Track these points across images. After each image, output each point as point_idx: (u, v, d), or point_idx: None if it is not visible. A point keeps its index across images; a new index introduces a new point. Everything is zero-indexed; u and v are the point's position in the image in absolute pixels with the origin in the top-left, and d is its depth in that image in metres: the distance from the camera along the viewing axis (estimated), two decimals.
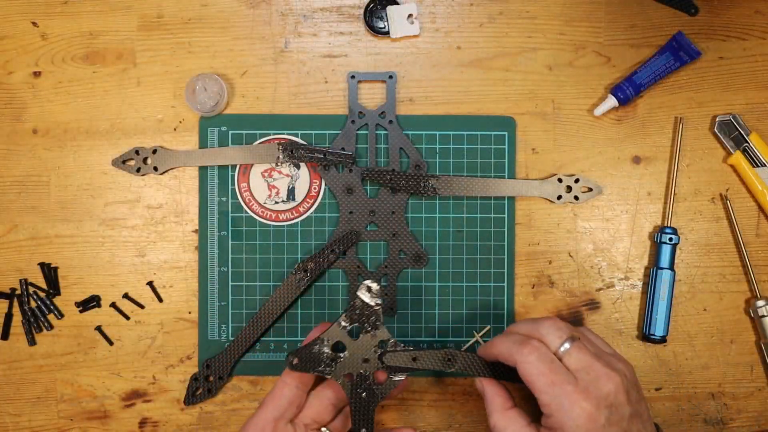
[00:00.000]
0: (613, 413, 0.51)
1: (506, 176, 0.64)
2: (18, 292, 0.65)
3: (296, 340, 0.65)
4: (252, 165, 0.65)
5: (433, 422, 0.65)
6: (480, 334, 0.65)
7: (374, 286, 0.56)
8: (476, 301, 0.64)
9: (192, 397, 0.64)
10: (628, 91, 0.63)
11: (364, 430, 0.56)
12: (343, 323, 0.56)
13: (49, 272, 0.65)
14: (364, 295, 0.56)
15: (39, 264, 0.65)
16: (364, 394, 0.56)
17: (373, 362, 0.56)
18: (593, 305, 0.65)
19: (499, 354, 0.54)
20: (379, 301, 0.56)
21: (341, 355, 0.56)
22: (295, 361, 0.56)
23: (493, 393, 0.56)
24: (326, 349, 0.56)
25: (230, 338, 0.65)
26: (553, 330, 0.53)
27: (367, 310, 0.56)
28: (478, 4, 0.65)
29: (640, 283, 0.65)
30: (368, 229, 0.65)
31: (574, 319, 0.65)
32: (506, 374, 0.56)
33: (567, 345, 0.52)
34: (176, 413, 0.65)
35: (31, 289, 0.65)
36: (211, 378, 0.64)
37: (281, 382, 0.57)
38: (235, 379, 0.65)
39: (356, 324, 0.56)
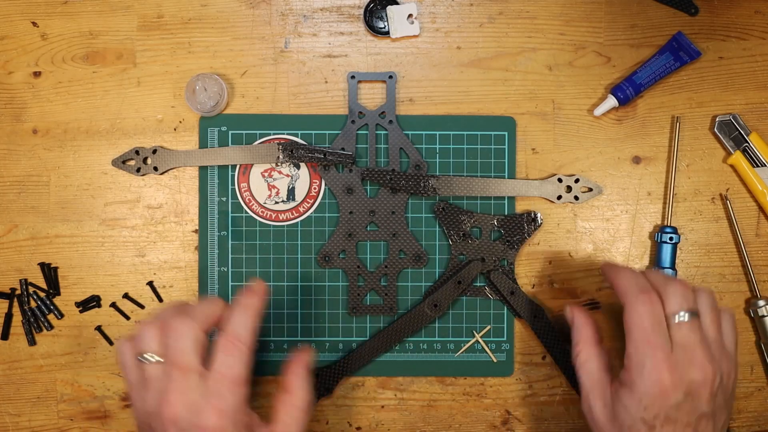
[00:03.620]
0: (688, 401, 0.49)
1: (506, 176, 0.64)
2: (18, 292, 0.65)
3: (296, 340, 0.65)
4: (252, 165, 0.65)
5: (433, 422, 0.65)
6: (480, 334, 0.65)
7: (539, 219, 0.63)
8: (476, 301, 0.64)
9: None
10: (628, 91, 0.63)
11: (435, 306, 0.63)
12: (495, 222, 0.63)
13: (49, 272, 0.65)
14: (529, 219, 0.63)
15: (39, 264, 0.65)
16: (459, 281, 0.63)
17: (486, 265, 0.63)
18: (593, 305, 0.65)
19: (617, 284, 0.54)
20: (533, 231, 0.63)
21: (474, 239, 0.63)
22: (441, 208, 0.63)
23: (582, 323, 0.56)
24: (467, 224, 0.63)
25: None
26: (679, 295, 0.52)
27: (519, 227, 0.63)
28: (478, 4, 0.65)
29: None
30: (368, 229, 0.65)
31: None
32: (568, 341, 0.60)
33: (683, 316, 0.51)
34: None
35: (31, 289, 0.65)
36: (318, 386, 0.64)
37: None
38: None
39: (503, 230, 0.63)
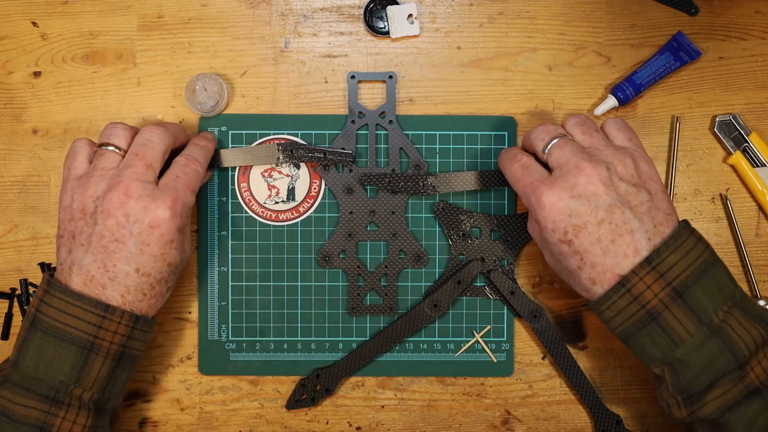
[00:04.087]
0: (583, 204, 0.51)
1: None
2: (18, 292, 0.65)
3: (296, 340, 0.65)
4: (252, 165, 0.65)
5: (433, 422, 0.65)
6: (480, 334, 0.65)
7: None
8: (476, 301, 0.65)
9: (295, 402, 0.64)
10: (628, 91, 0.63)
11: (435, 305, 0.63)
12: (495, 222, 0.63)
13: (50, 272, 0.65)
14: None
15: (39, 264, 0.65)
16: (459, 281, 0.63)
17: (486, 265, 0.63)
18: None
19: (500, 168, 0.58)
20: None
21: (473, 239, 0.63)
22: (441, 208, 0.63)
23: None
24: (466, 224, 0.63)
25: (230, 338, 0.64)
26: (540, 132, 0.55)
27: (519, 227, 0.63)
28: (478, 4, 0.65)
29: None
30: (368, 229, 0.65)
31: (574, 319, 0.65)
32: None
33: (549, 145, 0.54)
34: (176, 413, 0.65)
35: (31, 289, 0.65)
36: (318, 387, 0.64)
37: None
38: (234, 379, 0.65)
39: (503, 230, 0.63)
